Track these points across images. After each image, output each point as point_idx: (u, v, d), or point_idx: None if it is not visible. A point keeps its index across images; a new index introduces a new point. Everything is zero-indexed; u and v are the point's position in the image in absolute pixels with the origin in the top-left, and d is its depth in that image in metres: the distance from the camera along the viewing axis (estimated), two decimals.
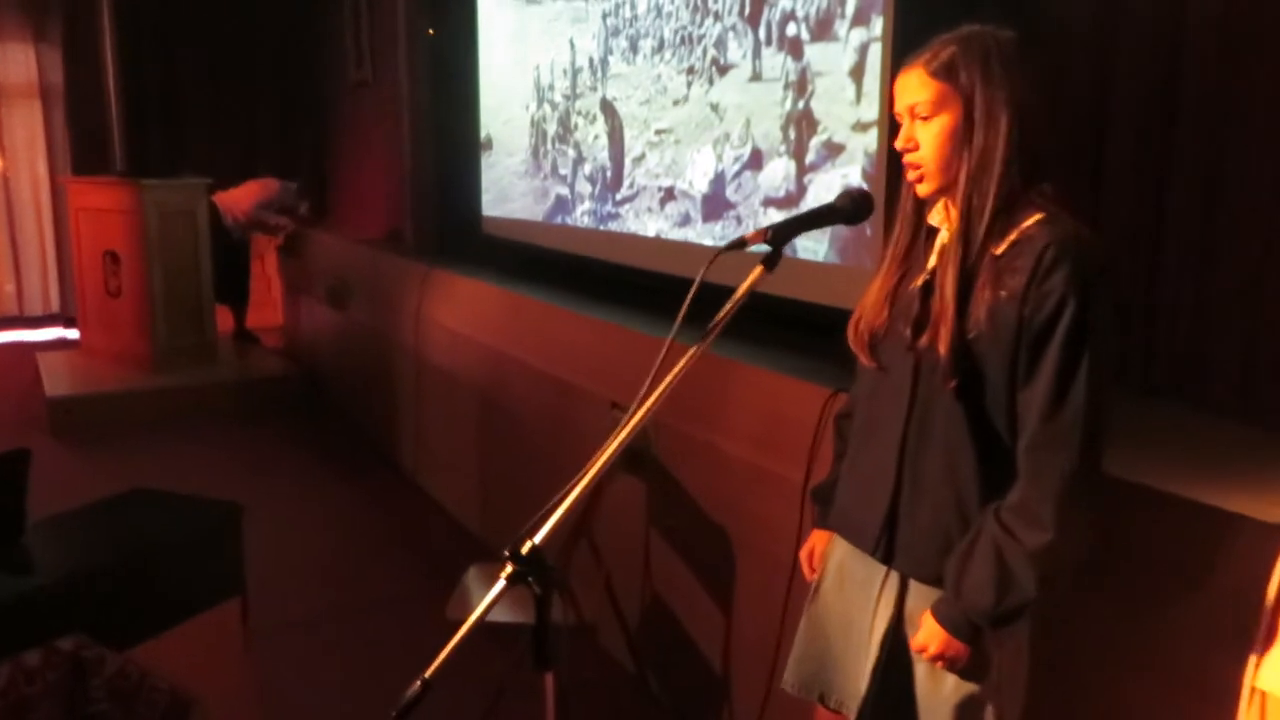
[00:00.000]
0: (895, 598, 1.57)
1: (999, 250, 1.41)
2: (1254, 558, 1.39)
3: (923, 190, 1.50)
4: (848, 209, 1.50)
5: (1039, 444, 1.39)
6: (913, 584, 1.55)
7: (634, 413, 1.35)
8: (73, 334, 7.29)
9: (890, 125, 2.70)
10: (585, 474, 1.36)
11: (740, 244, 1.38)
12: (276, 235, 7.18)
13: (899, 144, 1.49)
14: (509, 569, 1.31)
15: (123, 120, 6.98)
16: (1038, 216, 1.41)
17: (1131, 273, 2.20)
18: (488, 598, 1.33)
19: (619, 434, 1.35)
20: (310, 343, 6.85)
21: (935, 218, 1.54)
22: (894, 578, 1.58)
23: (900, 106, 1.49)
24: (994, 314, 1.40)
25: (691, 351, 1.34)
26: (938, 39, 1.45)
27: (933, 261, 1.50)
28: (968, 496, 1.47)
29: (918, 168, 1.48)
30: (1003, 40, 1.43)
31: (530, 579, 1.31)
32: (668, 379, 1.33)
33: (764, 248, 1.41)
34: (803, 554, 1.83)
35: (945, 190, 1.48)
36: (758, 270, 1.37)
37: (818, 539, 1.80)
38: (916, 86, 1.45)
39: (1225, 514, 1.49)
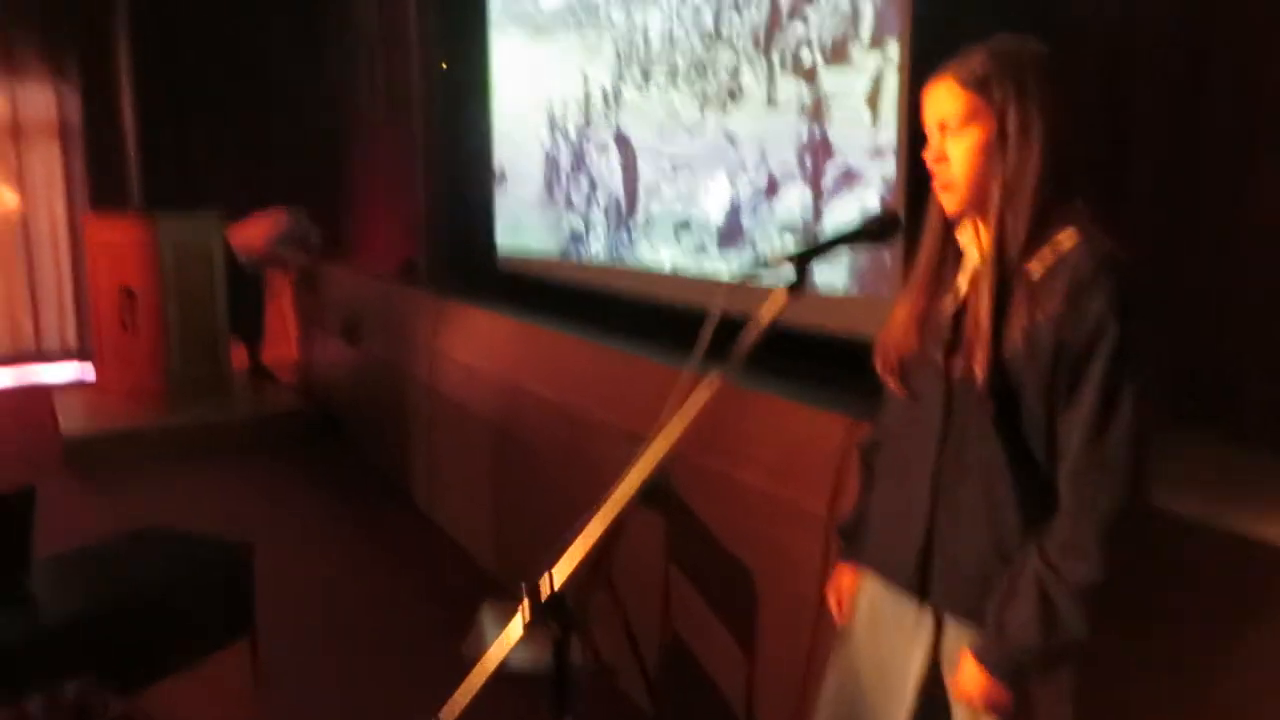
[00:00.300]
0: (931, 637, 1.50)
1: (1034, 270, 1.36)
2: None
3: (951, 206, 1.45)
4: (875, 230, 1.45)
5: (1082, 472, 1.33)
6: (950, 623, 1.48)
7: (655, 445, 1.30)
8: (89, 370, 7.29)
9: (909, 151, 2.67)
10: (605, 512, 1.31)
11: (761, 268, 1.33)
12: (292, 271, 7.18)
13: (928, 158, 1.44)
14: (527, 612, 1.26)
15: (139, 157, 7.02)
16: (1072, 235, 1.36)
17: (1156, 297, 2.13)
18: (507, 643, 1.28)
19: (640, 467, 1.30)
20: (325, 377, 6.83)
21: (964, 237, 1.48)
22: (929, 616, 1.51)
23: (929, 120, 1.44)
24: (1031, 336, 1.34)
25: (714, 382, 1.29)
26: (969, 49, 1.40)
27: (963, 283, 1.45)
28: (1007, 528, 1.40)
29: (947, 182, 1.43)
30: (1035, 52, 1.38)
31: (549, 622, 1.26)
32: (691, 411, 1.28)
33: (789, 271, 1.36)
34: (829, 593, 1.76)
35: (975, 206, 1.43)
36: (782, 296, 1.32)
37: (845, 577, 1.73)
38: (947, 98, 1.40)
39: (1276, 548, 1.42)
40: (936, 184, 1.46)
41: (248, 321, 6.87)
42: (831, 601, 1.76)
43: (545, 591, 1.27)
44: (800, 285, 1.33)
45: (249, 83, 7.91)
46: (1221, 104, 2.01)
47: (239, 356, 6.84)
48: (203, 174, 7.84)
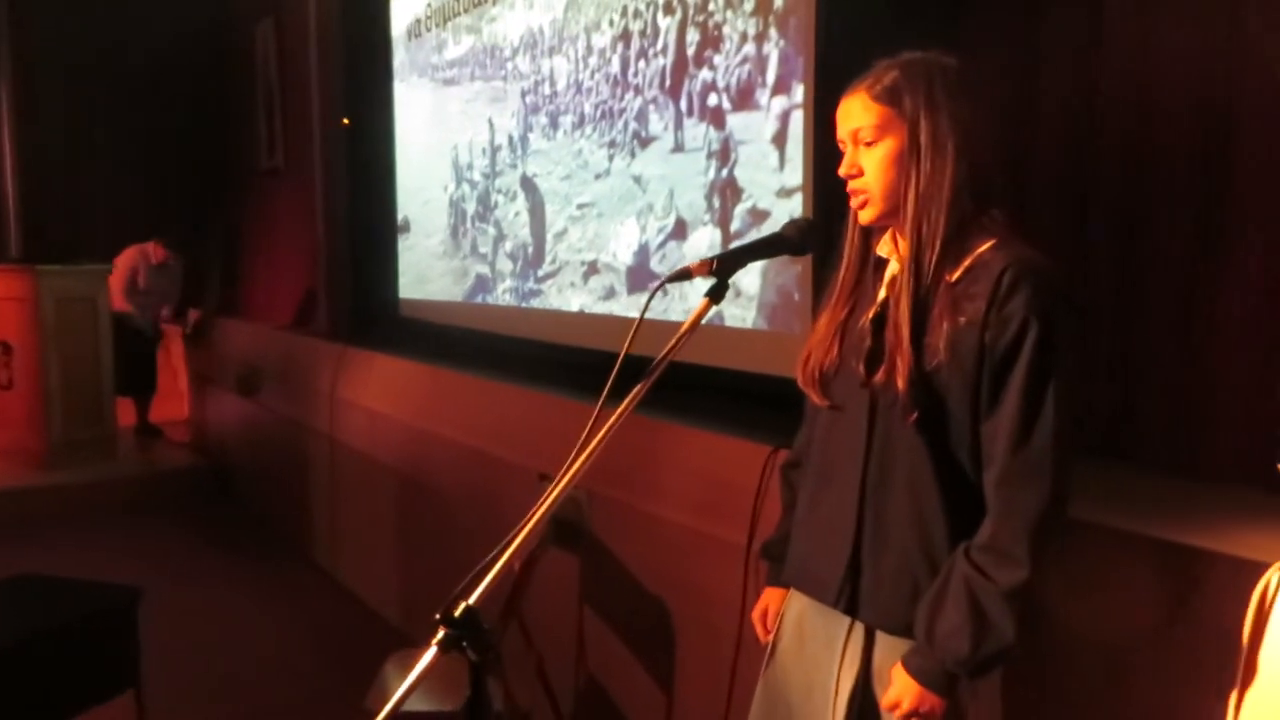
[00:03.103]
0: (861, 653, 1.46)
1: (953, 277, 1.37)
2: (1229, 595, 1.34)
3: (866, 216, 1.46)
4: (794, 239, 1.45)
5: (1009, 477, 1.33)
6: (880, 636, 1.46)
7: (570, 467, 1.25)
8: None
9: (815, 191, 2.72)
10: (518, 534, 1.25)
11: (684, 275, 1.31)
12: (176, 323, 6.94)
13: (842, 170, 1.45)
14: (440, 634, 1.18)
15: (20, 209, 6.73)
16: (990, 242, 1.37)
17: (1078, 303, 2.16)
18: (417, 667, 1.20)
19: (553, 490, 1.25)
20: (219, 434, 6.58)
21: (883, 249, 1.49)
22: (859, 631, 1.48)
23: (843, 132, 1.46)
24: (954, 342, 1.34)
25: (636, 390, 1.26)
26: (880, 63, 1.43)
27: (883, 293, 1.46)
28: (935, 538, 1.39)
29: (862, 194, 1.44)
30: (946, 65, 1.41)
31: (465, 645, 1.18)
32: (611, 421, 1.24)
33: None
34: (755, 615, 1.72)
35: (890, 216, 1.44)
36: (704, 303, 1.30)
37: (771, 597, 1.70)
38: (859, 111, 1.42)
39: (1197, 550, 1.45)
40: (851, 198, 1.47)
41: (135, 377, 6.59)
42: (757, 625, 1.72)
43: (460, 612, 1.19)
44: (721, 293, 1.32)
45: (141, 136, 7.70)
46: (1116, 142, 2.09)
47: (126, 413, 6.55)
48: (89, 228, 7.55)
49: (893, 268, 1.46)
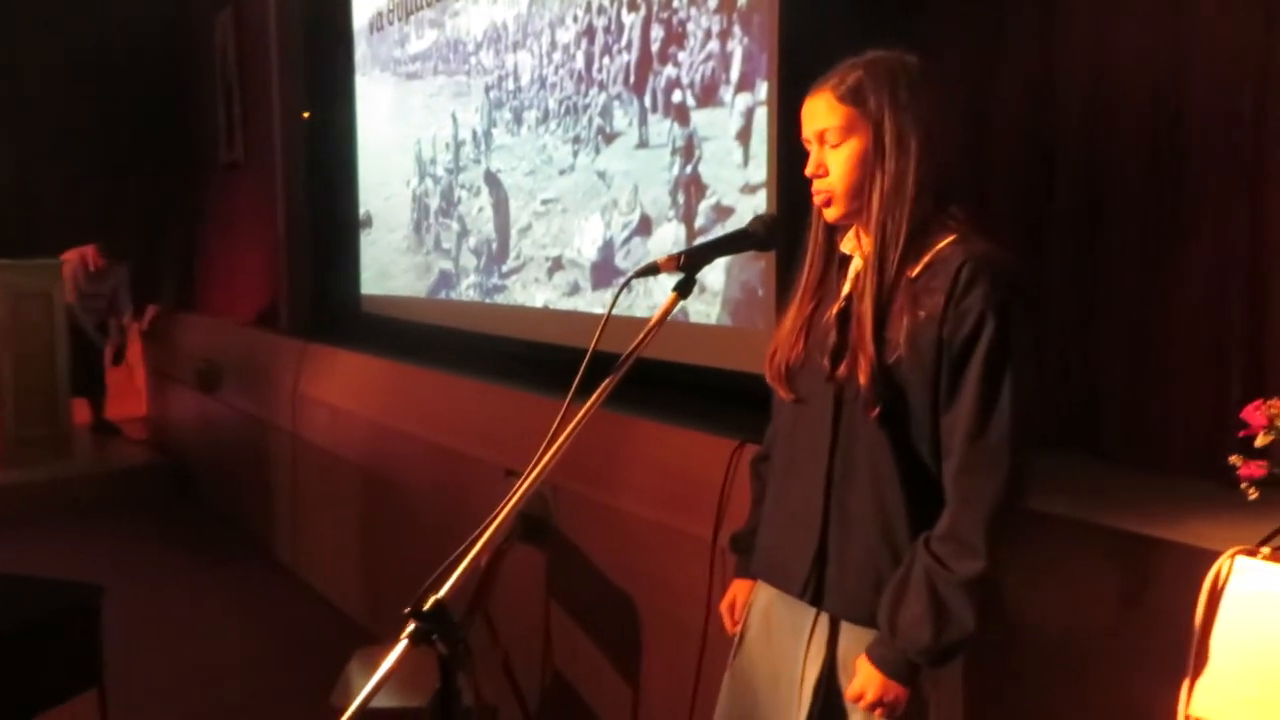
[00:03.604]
0: (826, 643, 1.49)
1: (914, 273, 1.39)
2: (1182, 583, 1.38)
3: (831, 214, 1.48)
4: (760, 234, 1.46)
5: (966, 468, 1.36)
6: (845, 627, 1.48)
7: (537, 462, 1.25)
8: None
9: (779, 187, 2.74)
10: (486, 529, 1.25)
11: (652, 270, 1.32)
12: (135, 322, 6.84)
13: (808, 170, 1.47)
14: (410, 627, 1.18)
15: None
16: (950, 238, 1.40)
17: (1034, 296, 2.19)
18: (387, 661, 1.20)
19: (521, 485, 1.25)
20: (178, 431, 6.51)
21: (847, 245, 1.51)
22: (824, 622, 1.50)
23: (808, 132, 1.47)
24: (914, 336, 1.37)
25: (604, 385, 1.27)
26: (844, 63, 1.44)
27: (847, 289, 1.48)
28: (898, 529, 1.42)
29: (827, 193, 1.46)
30: (909, 64, 1.43)
31: (435, 637, 1.19)
32: (579, 417, 1.25)
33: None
34: (723, 606, 1.74)
35: (855, 215, 1.46)
36: (672, 298, 1.32)
37: (739, 589, 1.72)
38: (825, 112, 1.44)
39: (1151, 540, 1.48)
40: (817, 196, 1.48)
41: (84, 376, 6.47)
42: (725, 616, 1.74)
43: (430, 605, 1.19)
44: (689, 288, 1.33)
45: (98, 126, 7.57)
46: (1072, 143, 2.12)
47: (82, 412, 6.44)
48: (46, 220, 7.41)
49: (856, 264, 1.48)
